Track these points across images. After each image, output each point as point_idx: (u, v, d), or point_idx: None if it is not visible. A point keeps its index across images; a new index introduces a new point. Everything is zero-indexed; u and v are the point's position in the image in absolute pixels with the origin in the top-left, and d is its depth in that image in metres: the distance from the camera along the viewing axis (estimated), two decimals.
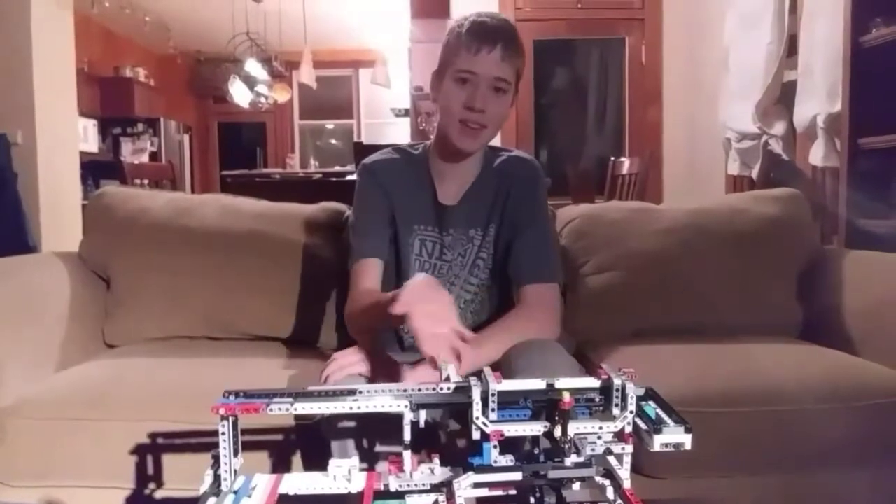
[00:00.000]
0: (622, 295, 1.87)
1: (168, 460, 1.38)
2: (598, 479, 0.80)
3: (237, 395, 0.81)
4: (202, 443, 1.35)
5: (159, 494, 1.39)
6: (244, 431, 0.83)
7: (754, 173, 3.50)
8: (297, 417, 1.34)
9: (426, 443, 0.89)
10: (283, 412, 0.80)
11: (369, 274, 1.44)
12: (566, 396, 0.78)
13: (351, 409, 0.80)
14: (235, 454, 0.80)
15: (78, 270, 1.91)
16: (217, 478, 0.79)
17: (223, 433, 0.78)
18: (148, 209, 1.97)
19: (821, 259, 1.95)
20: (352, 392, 0.82)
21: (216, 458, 0.79)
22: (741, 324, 1.84)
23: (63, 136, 4.56)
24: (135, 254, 1.90)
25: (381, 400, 0.81)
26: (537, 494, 0.82)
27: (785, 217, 1.96)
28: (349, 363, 1.24)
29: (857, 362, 1.59)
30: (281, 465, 1.39)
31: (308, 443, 1.38)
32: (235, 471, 0.80)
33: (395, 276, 1.53)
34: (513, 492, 0.81)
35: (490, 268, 1.53)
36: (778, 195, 2.03)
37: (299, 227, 1.94)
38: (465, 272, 1.53)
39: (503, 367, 1.23)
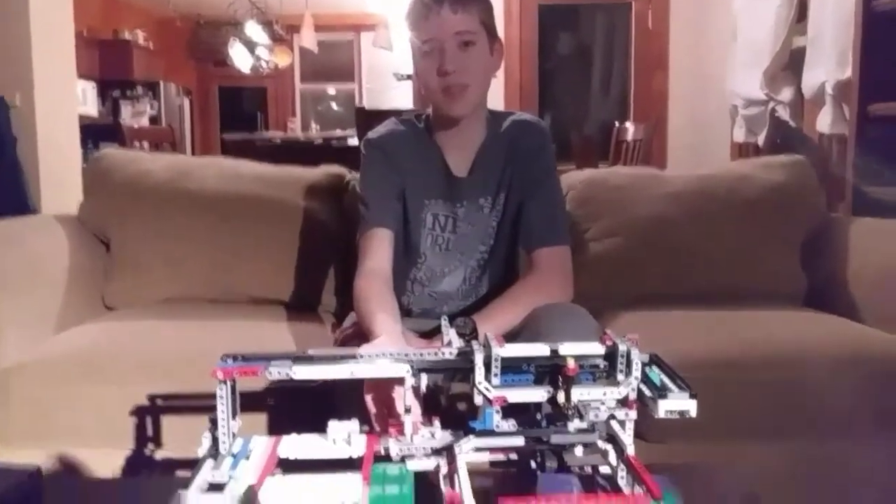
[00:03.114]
0: (626, 261, 1.86)
1: (167, 422, 1.38)
2: (601, 444, 0.79)
3: (235, 358, 0.80)
4: (201, 405, 1.34)
5: (158, 455, 1.39)
6: (242, 394, 0.82)
7: (760, 140, 3.47)
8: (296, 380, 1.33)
9: (427, 406, 0.89)
10: (281, 376, 0.79)
11: (378, 248, 1.39)
12: (570, 363, 0.77)
13: (351, 373, 0.79)
14: (233, 417, 0.79)
15: (77, 233, 1.90)
16: (215, 440, 0.78)
17: (221, 396, 0.78)
18: (148, 172, 1.95)
19: (826, 226, 1.93)
20: (352, 356, 0.81)
21: (214, 422, 0.78)
22: (745, 290, 1.83)
23: (62, 98, 4.52)
24: (134, 216, 1.89)
25: (381, 364, 0.80)
26: (538, 459, 0.81)
27: (790, 184, 1.94)
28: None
29: (861, 329, 1.59)
30: (279, 428, 1.38)
31: (305, 405, 1.37)
32: (234, 433, 0.79)
33: (405, 252, 1.50)
34: (514, 456, 0.80)
35: (497, 233, 1.51)
36: (784, 162, 2.01)
37: (300, 190, 1.93)
38: (476, 242, 1.50)
39: (526, 331, 1.22)
